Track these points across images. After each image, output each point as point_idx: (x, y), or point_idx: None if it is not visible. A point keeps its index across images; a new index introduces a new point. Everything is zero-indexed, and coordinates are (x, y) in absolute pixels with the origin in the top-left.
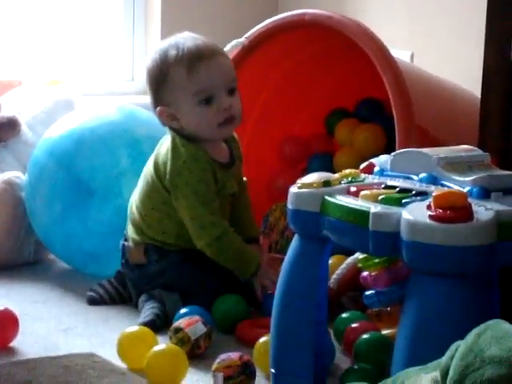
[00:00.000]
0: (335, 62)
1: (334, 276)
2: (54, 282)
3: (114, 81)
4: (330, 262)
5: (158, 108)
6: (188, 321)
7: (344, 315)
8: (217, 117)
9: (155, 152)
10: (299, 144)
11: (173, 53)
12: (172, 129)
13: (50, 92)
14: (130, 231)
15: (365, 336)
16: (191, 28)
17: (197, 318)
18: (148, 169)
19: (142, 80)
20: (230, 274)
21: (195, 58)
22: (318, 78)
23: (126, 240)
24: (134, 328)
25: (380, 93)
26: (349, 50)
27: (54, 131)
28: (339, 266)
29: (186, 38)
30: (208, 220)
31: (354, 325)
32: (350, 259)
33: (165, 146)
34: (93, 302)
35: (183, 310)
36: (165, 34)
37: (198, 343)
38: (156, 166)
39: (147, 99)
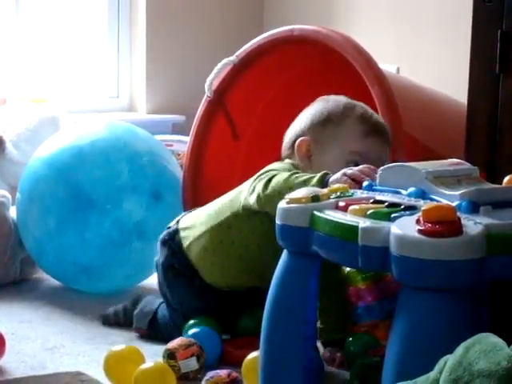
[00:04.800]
0: (326, 77)
1: None
2: (40, 301)
3: (99, 98)
4: None
5: (304, 138)
6: (184, 350)
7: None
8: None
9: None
10: None
11: (358, 110)
12: (289, 158)
13: (34, 110)
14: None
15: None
16: (176, 45)
17: (194, 348)
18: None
19: (126, 97)
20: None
21: (373, 127)
22: (311, 93)
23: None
24: (121, 346)
25: (372, 106)
26: (340, 65)
27: (51, 145)
28: None
29: (369, 111)
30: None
31: None
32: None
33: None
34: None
35: (193, 330)
36: (150, 51)
37: (187, 375)
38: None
39: (132, 116)
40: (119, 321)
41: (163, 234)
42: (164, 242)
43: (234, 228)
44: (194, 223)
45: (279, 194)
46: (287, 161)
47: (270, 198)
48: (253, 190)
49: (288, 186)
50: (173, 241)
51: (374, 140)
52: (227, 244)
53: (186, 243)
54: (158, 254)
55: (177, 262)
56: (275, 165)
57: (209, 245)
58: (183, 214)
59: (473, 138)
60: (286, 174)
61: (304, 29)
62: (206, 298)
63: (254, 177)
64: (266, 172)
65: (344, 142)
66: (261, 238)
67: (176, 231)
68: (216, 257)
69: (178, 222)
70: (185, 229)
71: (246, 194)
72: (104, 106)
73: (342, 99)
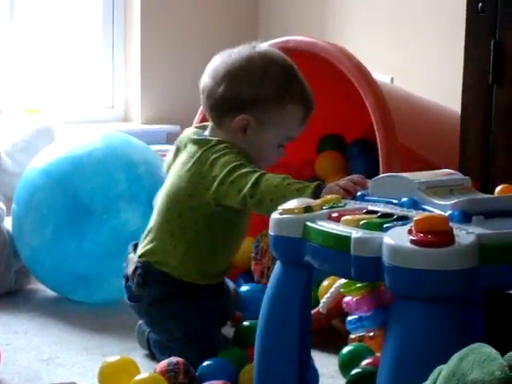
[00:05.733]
0: (321, 87)
1: (323, 300)
2: (35, 312)
3: (94, 108)
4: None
5: (243, 116)
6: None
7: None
8: (275, 158)
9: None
10: (290, 169)
11: (297, 88)
12: (218, 126)
13: (29, 120)
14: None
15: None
16: (170, 56)
17: (179, 368)
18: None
19: (121, 107)
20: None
21: (310, 109)
22: None
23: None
24: (116, 357)
25: (366, 116)
26: (334, 76)
27: (48, 155)
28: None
29: (299, 73)
30: (243, 170)
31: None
32: (339, 282)
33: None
34: None
35: (207, 363)
36: (144, 61)
37: None
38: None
39: (127, 126)
40: None
41: (136, 280)
42: (143, 284)
43: (216, 225)
44: (165, 249)
45: (271, 200)
46: (212, 134)
47: (259, 203)
48: (226, 192)
49: (281, 194)
50: (152, 275)
51: (308, 119)
52: (220, 233)
53: (170, 267)
54: (141, 301)
55: (171, 286)
56: (224, 155)
57: (203, 248)
58: (132, 255)
59: (466, 148)
60: (276, 179)
61: (300, 40)
62: (208, 309)
63: (219, 178)
64: (234, 171)
65: (284, 128)
66: (242, 213)
67: (147, 266)
68: (217, 244)
69: (138, 261)
70: (156, 262)
71: (210, 194)
72: (99, 117)
73: (274, 70)
